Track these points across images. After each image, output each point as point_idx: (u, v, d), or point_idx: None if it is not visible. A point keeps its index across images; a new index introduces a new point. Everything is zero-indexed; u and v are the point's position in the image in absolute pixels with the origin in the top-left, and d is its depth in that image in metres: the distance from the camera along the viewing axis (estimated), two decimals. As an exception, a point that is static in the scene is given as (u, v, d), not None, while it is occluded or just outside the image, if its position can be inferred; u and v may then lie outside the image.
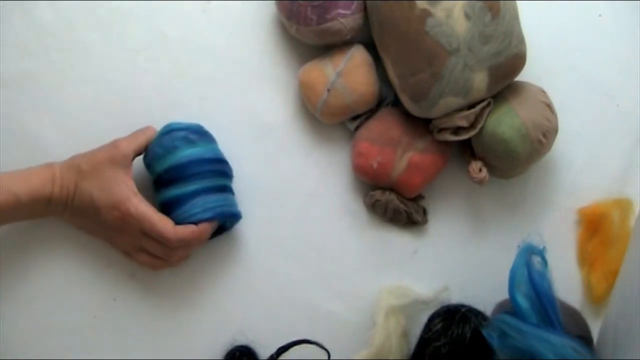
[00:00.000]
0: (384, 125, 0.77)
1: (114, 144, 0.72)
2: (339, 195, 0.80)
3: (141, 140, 0.73)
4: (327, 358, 0.76)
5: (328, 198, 0.80)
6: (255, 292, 0.79)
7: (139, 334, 0.78)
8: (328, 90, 0.75)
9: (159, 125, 0.75)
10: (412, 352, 0.77)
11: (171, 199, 0.72)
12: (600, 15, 0.83)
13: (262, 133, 0.79)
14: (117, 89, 0.79)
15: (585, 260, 0.81)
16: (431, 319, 0.77)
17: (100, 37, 0.76)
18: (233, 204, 0.75)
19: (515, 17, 0.73)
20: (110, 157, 0.71)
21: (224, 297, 0.79)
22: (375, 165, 0.76)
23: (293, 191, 0.80)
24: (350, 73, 0.75)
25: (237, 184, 0.77)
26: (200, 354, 0.78)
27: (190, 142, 0.72)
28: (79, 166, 0.71)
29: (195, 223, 0.71)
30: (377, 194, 0.78)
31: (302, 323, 0.79)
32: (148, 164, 0.74)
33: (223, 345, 0.78)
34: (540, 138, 0.73)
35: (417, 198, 0.80)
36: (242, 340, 0.78)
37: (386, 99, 0.78)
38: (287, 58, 0.80)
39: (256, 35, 0.80)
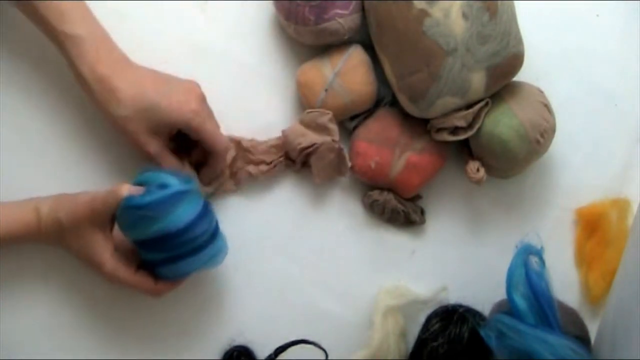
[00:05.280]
0: (381, 125, 0.77)
1: (92, 202, 0.68)
2: (337, 195, 0.80)
3: (114, 203, 0.68)
4: (325, 358, 0.76)
5: (326, 198, 0.80)
6: (253, 292, 0.79)
7: (137, 334, 0.78)
8: (326, 90, 0.75)
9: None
10: (410, 352, 0.77)
11: (144, 259, 0.71)
12: (598, 15, 0.83)
13: (260, 133, 0.79)
14: (116, 89, 0.79)
15: (583, 260, 0.81)
16: (429, 319, 0.77)
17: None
18: (204, 260, 0.70)
19: (513, 17, 0.73)
20: (89, 218, 0.68)
21: (221, 297, 0.79)
22: (373, 165, 0.76)
23: (291, 191, 0.80)
24: (348, 73, 0.75)
25: (235, 184, 0.78)
26: (198, 354, 0.78)
27: (150, 219, 0.66)
28: (60, 222, 0.69)
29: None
30: (375, 194, 0.78)
31: (300, 323, 0.79)
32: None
33: (221, 345, 0.78)
34: (538, 138, 0.73)
35: (415, 198, 0.80)
36: (240, 341, 0.78)
37: (384, 98, 0.78)
38: (285, 58, 0.80)
39: (254, 36, 0.80)
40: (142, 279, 0.70)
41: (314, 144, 0.75)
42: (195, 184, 0.71)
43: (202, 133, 0.71)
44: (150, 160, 0.71)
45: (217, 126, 0.74)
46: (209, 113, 0.73)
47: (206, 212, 0.69)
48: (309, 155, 0.76)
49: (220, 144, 0.73)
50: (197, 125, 0.70)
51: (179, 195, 0.66)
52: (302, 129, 0.76)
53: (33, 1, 0.68)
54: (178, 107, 0.69)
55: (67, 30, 0.68)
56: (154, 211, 0.66)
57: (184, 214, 0.66)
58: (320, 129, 0.76)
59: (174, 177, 0.68)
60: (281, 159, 0.77)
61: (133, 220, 0.67)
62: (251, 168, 0.77)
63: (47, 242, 0.72)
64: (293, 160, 0.77)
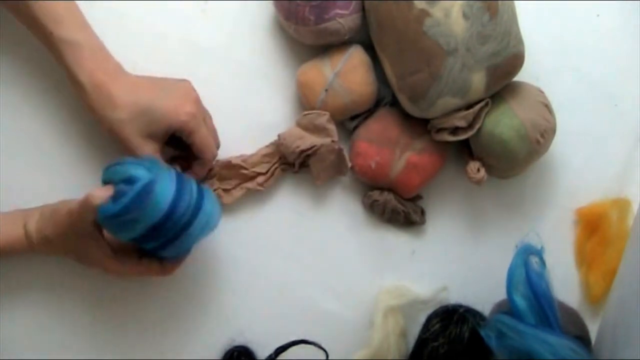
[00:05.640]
0: (382, 125, 0.77)
1: (70, 216, 0.67)
2: (337, 195, 0.80)
3: (91, 213, 0.66)
4: (325, 358, 0.76)
5: (326, 198, 0.80)
6: (253, 292, 0.79)
7: (137, 334, 0.78)
8: (326, 90, 0.75)
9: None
10: (410, 352, 0.77)
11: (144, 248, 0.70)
12: (598, 15, 0.83)
13: (260, 133, 0.79)
14: (116, 89, 0.78)
15: (584, 260, 0.81)
16: (429, 319, 0.77)
17: (99, 37, 0.76)
18: (200, 228, 0.68)
19: (513, 17, 0.73)
20: (73, 231, 0.68)
21: (222, 297, 0.79)
22: (373, 165, 0.76)
23: (291, 191, 0.80)
24: (348, 73, 0.75)
25: (235, 184, 0.78)
26: (198, 354, 0.78)
27: (131, 221, 0.65)
28: (48, 239, 0.69)
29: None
30: (375, 194, 0.78)
31: (300, 323, 0.79)
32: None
33: (221, 345, 0.78)
34: (539, 138, 0.73)
35: (415, 198, 0.80)
36: (240, 340, 0.78)
37: (384, 99, 0.78)
38: (285, 58, 0.80)
39: (255, 35, 0.80)
40: (148, 266, 0.70)
41: (314, 146, 0.75)
42: (160, 162, 0.69)
43: (195, 137, 0.71)
44: None
45: (213, 130, 0.74)
46: (205, 115, 0.74)
47: (182, 186, 0.67)
48: (308, 157, 0.76)
49: (209, 152, 0.73)
50: (192, 128, 0.70)
51: (148, 187, 0.65)
52: (299, 131, 0.76)
53: (29, 2, 0.68)
54: (174, 109, 0.70)
55: (64, 35, 0.68)
56: (131, 213, 0.65)
57: (161, 202, 0.65)
58: (319, 130, 0.76)
59: (138, 166, 0.67)
60: (276, 165, 0.77)
61: (116, 227, 0.66)
62: (249, 184, 0.77)
63: (44, 254, 0.72)
64: (290, 164, 0.77)
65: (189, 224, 0.67)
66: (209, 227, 0.69)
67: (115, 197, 0.65)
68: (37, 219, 0.70)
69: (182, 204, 0.66)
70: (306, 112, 0.76)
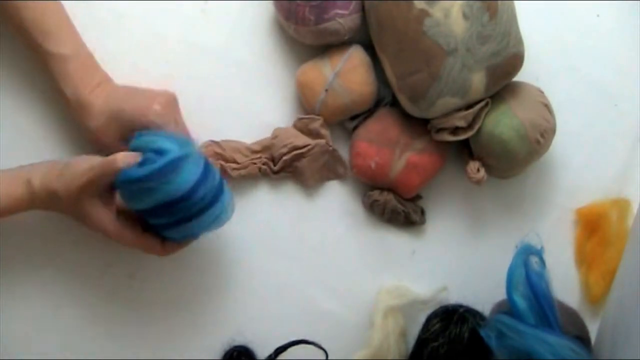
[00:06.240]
0: (382, 125, 0.77)
1: (88, 172, 0.66)
2: (337, 195, 0.80)
3: (111, 173, 0.67)
4: (325, 358, 0.76)
5: (326, 198, 0.80)
6: (253, 292, 0.79)
7: (137, 334, 0.78)
8: (326, 90, 0.75)
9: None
10: (410, 352, 0.77)
11: (149, 223, 0.70)
12: (598, 15, 0.83)
13: (260, 133, 0.79)
14: (116, 89, 0.79)
15: (583, 260, 0.81)
16: (429, 319, 0.77)
17: (99, 37, 0.76)
18: (210, 220, 0.69)
19: (513, 17, 0.73)
20: (87, 188, 0.67)
21: (222, 297, 0.79)
22: (373, 165, 0.76)
23: (291, 191, 0.80)
24: (348, 73, 0.75)
25: (236, 184, 0.77)
26: (198, 354, 0.78)
27: (150, 190, 0.65)
28: (56, 193, 0.68)
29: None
30: (375, 194, 0.78)
31: (300, 323, 0.79)
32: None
33: (221, 345, 0.78)
34: (538, 138, 0.73)
35: (415, 198, 0.80)
36: (240, 340, 0.78)
37: (384, 99, 0.78)
38: (285, 58, 0.80)
39: (254, 35, 0.80)
40: (149, 241, 0.70)
41: (308, 145, 0.75)
42: (194, 144, 0.69)
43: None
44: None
45: (184, 130, 0.74)
46: (176, 119, 0.73)
47: (207, 173, 0.67)
48: (297, 157, 0.76)
49: None
50: (159, 126, 0.70)
51: (177, 162, 0.65)
52: (295, 131, 0.77)
53: (20, 13, 0.69)
54: (140, 109, 0.70)
55: (52, 49, 0.70)
56: (153, 182, 0.64)
57: (184, 180, 0.65)
58: (313, 134, 0.76)
59: (171, 141, 0.67)
60: (255, 162, 0.77)
61: (132, 193, 0.66)
62: (223, 163, 0.77)
63: (40, 209, 0.71)
64: (270, 167, 0.77)
65: (202, 211, 0.67)
66: (220, 220, 0.69)
67: (141, 164, 0.65)
68: (43, 173, 0.69)
69: (203, 189, 0.66)
70: (301, 117, 0.77)
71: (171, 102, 0.73)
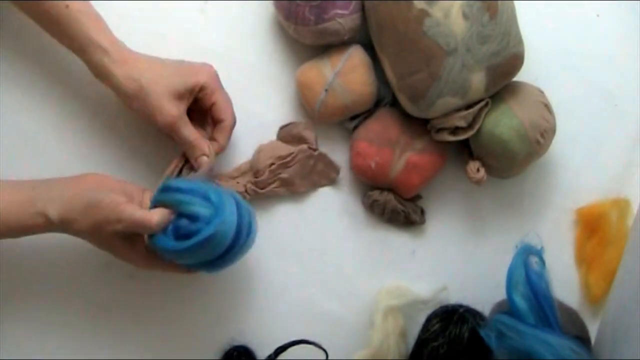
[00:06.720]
0: (382, 125, 0.77)
1: (117, 223, 0.66)
2: (337, 195, 0.80)
3: (142, 232, 0.68)
4: (325, 358, 0.76)
5: (326, 198, 0.80)
6: (253, 292, 0.79)
7: (137, 334, 0.78)
8: (326, 90, 0.75)
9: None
10: (410, 352, 0.77)
11: None
12: (598, 15, 0.83)
13: (260, 133, 0.79)
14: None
15: (583, 260, 0.81)
16: (429, 319, 0.77)
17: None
18: (234, 259, 0.69)
19: (513, 17, 0.73)
20: (113, 235, 0.67)
21: (221, 297, 0.79)
22: (373, 165, 0.76)
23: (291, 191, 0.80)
24: (348, 73, 0.75)
25: (235, 184, 0.78)
26: (198, 354, 0.78)
27: (184, 257, 0.66)
28: (79, 226, 0.67)
29: None
30: (375, 194, 0.78)
31: (300, 323, 0.79)
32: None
33: (221, 345, 0.78)
34: (538, 138, 0.73)
35: (415, 198, 0.80)
36: (240, 340, 0.78)
37: (384, 99, 0.78)
38: (285, 58, 0.80)
39: (254, 36, 0.80)
40: (178, 268, 0.71)
41: (291, 153, 0.76)
42: (228, 198, 0.67)
43: (217, 95, 0.72)
44: (167, 134, 0.71)
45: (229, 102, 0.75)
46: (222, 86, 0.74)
47: (241, 222, 0.66)
48: (283, 166, 0.76)
49: (230, 111, 0.74)
50: (214, 86, 0.72)
51: (212, 237, 0.64)
52: (279, 143, 0.78)
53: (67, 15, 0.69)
54: (196, 71, 0.72)
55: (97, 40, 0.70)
56: (188, 254, 0.65)
57: (220, 244, 0.65)
58: (297, 140, 0.77)
59: (205, 203, 0.66)
60: (244, 186, 0.77)
61: (166, 256, 0.67)
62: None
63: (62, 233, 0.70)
64: (259, 185, 0.77)
65: (236, 254, 0.68)
66: (249, 247, 0.70)
67: (176, 233, 0.66)
68: (61, 205, 0.67)
69: (239, 242, 0.67)
70: (282, 125, 0.78)
71: (213, 71, 0.74)
